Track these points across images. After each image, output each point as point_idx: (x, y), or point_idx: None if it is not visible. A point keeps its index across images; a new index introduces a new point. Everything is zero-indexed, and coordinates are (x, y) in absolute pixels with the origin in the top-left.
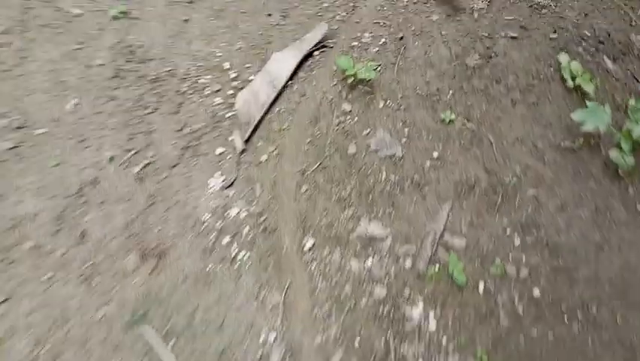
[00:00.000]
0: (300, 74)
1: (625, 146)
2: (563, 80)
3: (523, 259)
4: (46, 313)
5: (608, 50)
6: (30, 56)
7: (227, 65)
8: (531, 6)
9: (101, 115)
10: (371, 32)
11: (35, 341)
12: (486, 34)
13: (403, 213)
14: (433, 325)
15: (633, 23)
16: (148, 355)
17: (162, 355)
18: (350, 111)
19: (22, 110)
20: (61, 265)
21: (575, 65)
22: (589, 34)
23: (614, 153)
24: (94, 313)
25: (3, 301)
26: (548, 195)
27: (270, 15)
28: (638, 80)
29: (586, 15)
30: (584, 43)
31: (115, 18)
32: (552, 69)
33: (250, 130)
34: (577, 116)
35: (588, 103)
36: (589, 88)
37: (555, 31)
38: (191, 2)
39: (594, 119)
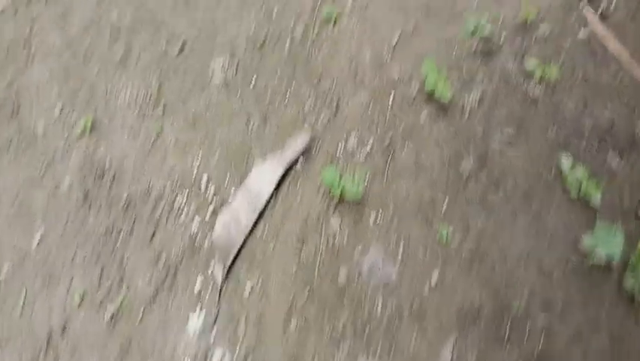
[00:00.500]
0: (284, 187)
1: (633, 275)
2: (566, 186)
3: None
4: None
5: (612, 145)
6: None
7: (204, 181)
8: (525, 98)
9: (70, 247)
10: (357, 135)
11: None
12: (479, 135)
13: (403, 349)
14: None
15: (637, 112)
16: None
17: None
18: (339, 229)
19: None
20: None
21: (579, 172)
22: (590, 127)
23: (628, 282)
24: None
25: None
26: (560, 322)
27: (248, 120)
28: None
29: (585, 105)
30: (585, 139)
31: (82, 134)
32: (553, 171)
33: (231, 259)
34: (586, 242)
35: (597, 224)
36: (596, 199)
37: (553, 125)
38: (164, 111)
39: (605, 246)
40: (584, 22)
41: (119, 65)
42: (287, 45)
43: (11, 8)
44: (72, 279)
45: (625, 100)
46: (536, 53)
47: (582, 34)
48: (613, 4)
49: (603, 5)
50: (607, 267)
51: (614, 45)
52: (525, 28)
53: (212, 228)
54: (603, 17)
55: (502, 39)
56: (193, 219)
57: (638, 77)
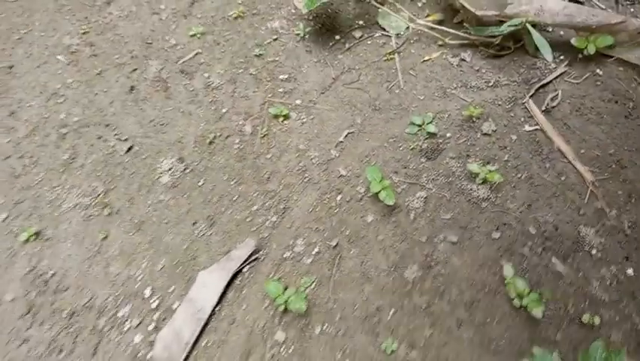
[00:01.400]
0: (229, 295)
1: None
2: (510, 295)
3: None
4: None
5: (557, 248)
6: None
7: (148, 292)
8: (469, 200)
9: None
10: (304, 238)
11: None
12: (424, 239)
13: None
14: None
15: (582, 212)
16: None
17: None
18: (284, 341)
19: None
20: None
21: (521, 284)
22: (534, 231)
23: None
24: None
25: None
26: None
27: (194, 224)
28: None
29: (529, 206)
30: (529, 243)
31: (26, 241)
32: (497, 278)
33: None
34: None
35: (535, 351)
36: (537, 312)
37: (498, 229)
38: (109, 215)
39: None
40: (529, 118)
41: (64, 168)
42: (236, 144)
43: None
44: None
45: (569, 199)
46: (480, 151)
47: (527, 128)
48: (558, 98)
49: (548, 99)
50: None
51: (558, 141)
52: (470, 124)
53: (154, 344)
54: (547, 111)
55: (447, 136)
56: (136, 331)
57: (582, 174)
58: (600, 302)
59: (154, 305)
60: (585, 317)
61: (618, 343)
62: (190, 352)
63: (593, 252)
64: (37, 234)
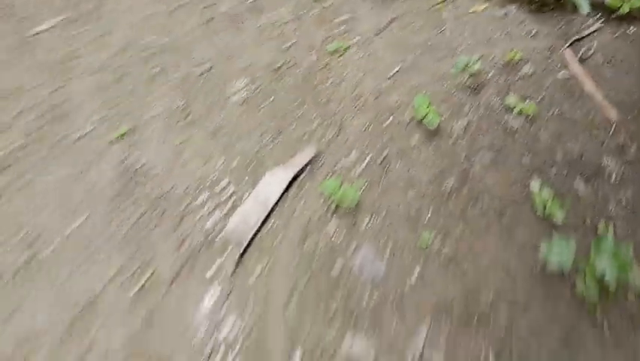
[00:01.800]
0: (291, 192)
1: (589, 281)
2: (534, 206)
3: None
4: None
5: (580, 172)
6: (41, 174)
7: (223, 184)
8: (505, 129)
9: (105, 234)
10: (357, 150)
11: None
12: (462, 158)
13: (385, 331)
14: None
15: (605, 145)
16: None
17: None
18: (335, 230)
19: (35, 227)
20: None
21: (546, 193)
22: (561, 157)
23: (579, 286)
24: None
25: None
26: (521, 318)
27: (262, 134)
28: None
29: (558, 137)
30: (555, 166)
31: (118, 140)
32: (525, 193)
33: (242, 249)
34: (542, 250)
35: (554, 236)
36: (558, 216)
37: (528, 153)
38: (189, 123)
39: (558, 255)
40: (565, 65)
41: (151, 82)
42: (300, 72)
43: (60, 26)
44: (106, 261)
45: (595, 134)
46: (518, 90)
47: (561, 75)
48: (592, 50)
49: (582, 50)
50: (562, 273)
51: (589, 86)
52: (510, 67)
53: (228, 223)
54: (582, 60)
55: (489, 76)
56: (211, 214)
57: (608, 115)
58: (615, 217)
59: (227, 195)
60: (600, 226)
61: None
62: (256, 233)
63: (612, 178)
64: (128, 132)
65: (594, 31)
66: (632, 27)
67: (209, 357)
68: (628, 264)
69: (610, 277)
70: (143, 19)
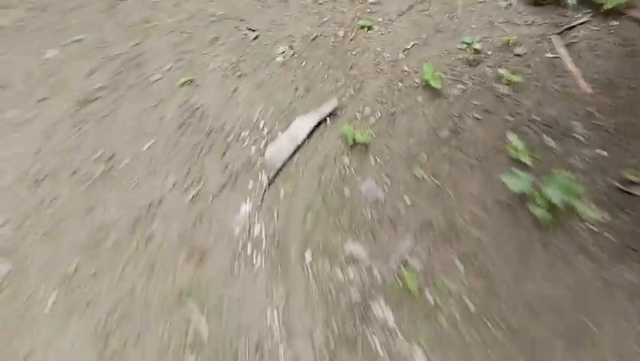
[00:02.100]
0: (315, 133)
1: (541, 204)
2: (509, 153)
3: (464, 281)
4: (118, 288)
5: (552, 132)
6: (119, 107)
7: (261, 124)
8: (495, 94)
9: (167, 155)
10: (371, 107)
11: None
12: (456, 114)
13: (378, 241)
14: (390, 319)
15: (577, 113)
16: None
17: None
18: (349, 163)
19: (112, 147)
20: (133, 256)
21: (520, 144)
22: (538, 119)
23: (534, 209)
24: (154, 290)
25: (93, 275)
26: (487, 235)
27: (296, 90)
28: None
29: (539, 104)
30: (533, 125)
31: (182, 85)
32: (504, 144)
33: (273, 174)
34: (504, 178)
35: (514, 170)
36: (526, 160)
37: (511, 115)
38: (239, 77)
39: (518, 183)
40: (552, 48)
41: (211, 43)
42: (331, 42)
43: None
44: (168, 174)
45: (569, 104)
46: (510, 65)
47: (548, 56)
48: (577, 38)
49: (569, 38)
50: (521, 198)
51: (570, 65)
52: (506, 48)
53: (264, 154)
54: (567, 46)
55: (488, 53)
56: (252, 146)
57: (583, 89)
58: (577, 169)
59: (265, 132)
60: (559, 171)
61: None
62: (285, 163)
63: (580, 138)
64: (190, 81)
65: (582, 23)
66: (614, 21)
67: (240, 250)
68: (574, 191)
69: (556, 200)
70: None
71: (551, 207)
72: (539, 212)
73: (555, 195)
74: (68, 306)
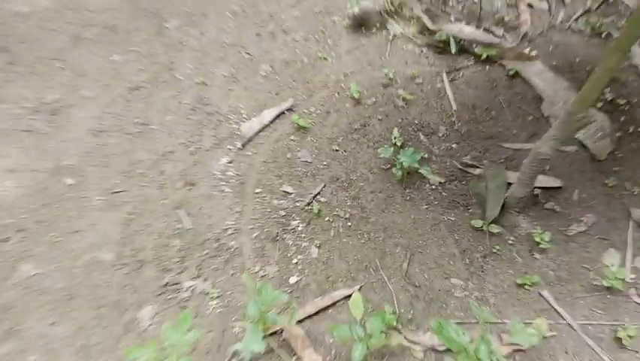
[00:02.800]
0: (276, 121)
1: (399, 167)
2: (392, 141)
3: (349, 211)
4: (136, 195)
5: (424, 131)
6: (154, 94)
7: (243, 112)
8: (394, 106)
9: (182, 124)
10: (315, 107)
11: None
12: (367, 116)
13: (303, 186)
14: (301, 229)
15: (443, 120)
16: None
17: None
18: (293, 140)
19: (146, 117)
20: (151, 181)
21: (400, 137)
22: (417, 123)
23: (395, 171)
24: (160, 199)
25: (125, 189)
26: (368, 187)
27: (269, 92)
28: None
29: (421, 114)
30: (412, 126)
31: (198, 84)
32: (391, 135)
33: (245, 142)
34: (379, 150)
35: (385, 146)
36: (399, 144)
37: (401, 120)
38: (234, 82)
39: (385, 152)
40: (441, 81)
41: (220, 60)
42: (298, 66)
43: None
44: (179, 135)
45: (440, 115)
46: (409, 88)
47: (438, 85)
48: (459, 76)
49: (452, 75)
50: (390, 165)
51: (448, 92)
52: (411, 78)
53: (240, 128)
54: (451, 80)
55: (397, 80)
56: (234, 125)
57: (453, 106)
58: (435, 154)
59: (244, 117)
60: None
61: (436, 170)
62: (254, 135)
63: (441, 136)
64: (203, 82)
65: (466, 67)
66: (487, 66)
67: (217, 183)
68: (416, 159)
69: (405, 163)
70: None
71: (404, 170)
72: (397, 172)
73: (405, 160)
74: (107, 205)
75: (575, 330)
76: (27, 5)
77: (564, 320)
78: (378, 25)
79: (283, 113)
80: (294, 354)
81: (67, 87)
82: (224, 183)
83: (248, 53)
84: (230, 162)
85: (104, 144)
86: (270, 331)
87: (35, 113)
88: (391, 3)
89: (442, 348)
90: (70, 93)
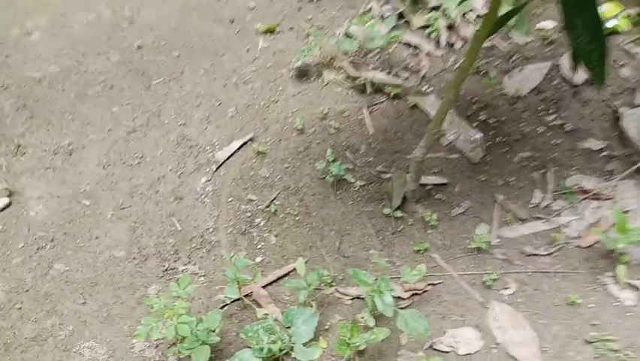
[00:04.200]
0: (241, 148)
1: (331, 175)
2: (326, 158)
3: (297, 209)
4: (150, 175)
5: (350, 149)
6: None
7: (216, 143)
8: (328, 133)
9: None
10: (270, 137)
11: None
12: (308, 141)
13: (264, 194)
14: (262, 224)
15: (362, 140)
16: None
17: None
18: (255, 162)
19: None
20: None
21: (331, 154)
22: (345, 144)
23: (328, 178)
24: (156, 213)
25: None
26: (311, 190)
27: (236, 128)
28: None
29: (348, 137)
30: (341, 147)
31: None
32: (325, 154)
33: (218, 165)
34: (317, 165)
35: (321, 161)
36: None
37: (334, 142)
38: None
39: (320, 166)
40: (362, 113)
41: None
42: (256, 107)
43: None
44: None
45: (362, 138)
46: (339, 120)
47: (358, 117)
48: (376, 108)
49: (371, 109)
50: (325, 175)
51: (367, 120)
52: (341, 112)
53: (214, 155)
54: (370, 113)
55: (331, 114)
56: (209, 152)
57: (370, 131)
58: (357, 166)
59: (217, 147)
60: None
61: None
62: (225, 160)
63: (362, 153)
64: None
65: (381, 102)
66: (395, 101)
67: (199, 197)
68: (343, 169)
69: (334, 172)
70: None
71: (335, 178)
72: (330, 179)
73: (335, 170)
74: (117, 218)
75: (454, 279)
76: (39, 72)
77: (447, 272)
78: (315, 74)
79: (246, 143)
80: (261, 307)
81: (78, 133)
82: (204, 196)
83: (218, 100)
84: (208, 181)
85: (111, 174)
86: (244, 293)
87: (55, 154)
88: (324, 57)
89: (363, 296)
90: (80, 138)
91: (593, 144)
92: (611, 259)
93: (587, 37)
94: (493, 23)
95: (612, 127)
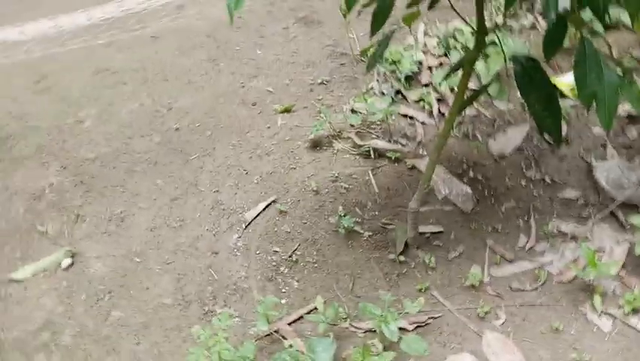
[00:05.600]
0: (266, 209)
1: (342, 227)
2: (339, 213)
3: (314, 259)
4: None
5: (358, 206)
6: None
7: (244, 206)
8: (339, 193)
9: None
10: (291, 198)
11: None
12: (323, 200)
13: (287, 245)
14: (287, 272)
15: (370, 198)
16: None
17: None
18: (278, 220)
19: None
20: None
21: (341, 209)
22: (353, 201)
23: (340, 230)
24: (196, 267)
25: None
26: (326, 241)
27: (260, 193)
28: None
29: (356, 196)
30: (350, 204)
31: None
32: (338, 210)
33: (247, 224)
34: (331, 220)
35: (333, 217)
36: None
37: (343, 201)
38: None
39: (335, 220)
40: (368, 175)
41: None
42: (278, 175)
43: None
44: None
45: (368, 195)
46: (348, 180)
47: (366, 177)
48: (379, 170)
49: (375, 171)
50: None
51: (372, 179)
52: (349, 174)
53: (244, 216)
54: (374, 174)
55: (341, 178)
56: (239, 214)
57: (374, 187)
58: (364, 220)
59: (246, 209)
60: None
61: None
62: (252, 220)
63: (369, 208)
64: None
65: (383, 165)
66: (395, 164)
67: (233, 250)
68: (352, 222)
69: (346, 225)
70: None
71: (346, 229)
72: (342, 231)
73: (345, 223)
74: (164, 271)
75: (452, 312)
76: (93, 152)
77: (446, 307)
78: (327, 144)
79: (270, 204)
80: (287, 340)
81: (128, 203)
82: (236, 250)
83: (245, 170)
84: (239, 237)
85: (157, 235)
86: (272, 330)
87: (109, 221)
88: (334, 130)
89: (374, 329)
90: (131, 207)
91: (571, 193)
92: (589, 291)
93: (541, 108)
94: (462, 102)
95: (587, 178)
